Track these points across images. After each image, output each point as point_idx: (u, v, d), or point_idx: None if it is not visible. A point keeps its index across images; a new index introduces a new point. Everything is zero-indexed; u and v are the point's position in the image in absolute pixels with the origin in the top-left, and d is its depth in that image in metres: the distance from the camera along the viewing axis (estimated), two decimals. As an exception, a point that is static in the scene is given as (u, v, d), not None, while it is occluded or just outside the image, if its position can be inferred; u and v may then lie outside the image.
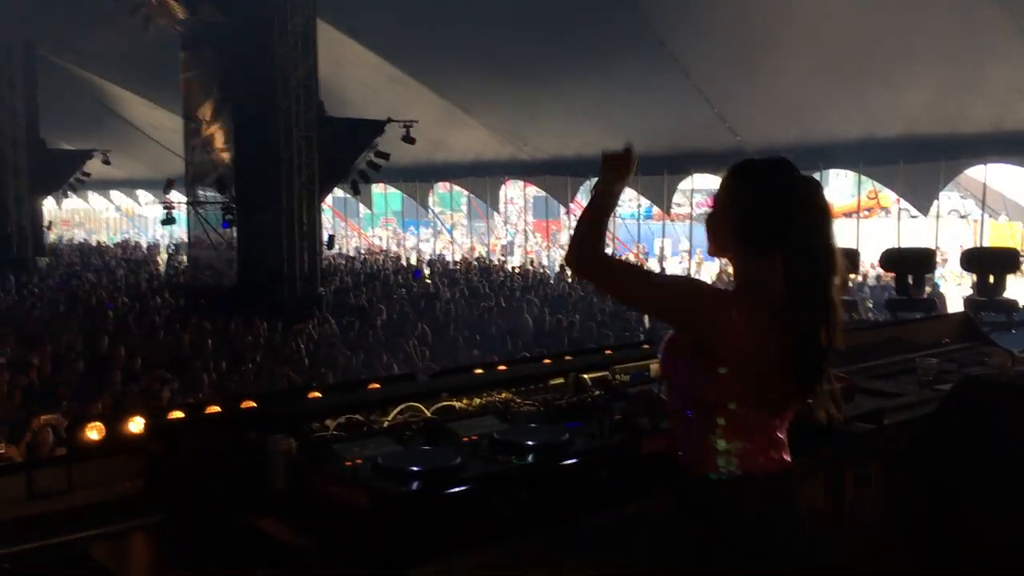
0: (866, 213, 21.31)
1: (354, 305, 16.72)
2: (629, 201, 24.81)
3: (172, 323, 14.17)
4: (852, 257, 8.01)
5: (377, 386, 2.84)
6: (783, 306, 2.06)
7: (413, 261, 25.99)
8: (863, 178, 19.27)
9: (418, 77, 20.05)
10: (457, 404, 2.81)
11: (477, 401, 2.86)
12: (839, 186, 23.34)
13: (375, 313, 15.56)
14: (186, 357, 11.84)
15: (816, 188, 2.17)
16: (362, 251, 29.81)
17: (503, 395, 2.95)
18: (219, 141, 16.68)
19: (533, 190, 26.17)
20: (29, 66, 22.95)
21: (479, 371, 3.18)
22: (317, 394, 2.73)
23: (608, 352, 3.73)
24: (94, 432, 2.33)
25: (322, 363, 11.84)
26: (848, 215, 20.66)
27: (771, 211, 2.12)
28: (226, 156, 16.44)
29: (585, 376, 3.16)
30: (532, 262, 25.58)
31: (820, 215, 2.13)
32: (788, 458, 2.16)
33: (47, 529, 2.21)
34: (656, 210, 23.02)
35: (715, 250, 2.28)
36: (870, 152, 16.53)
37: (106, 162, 24.21)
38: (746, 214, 2.14)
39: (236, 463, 2.33)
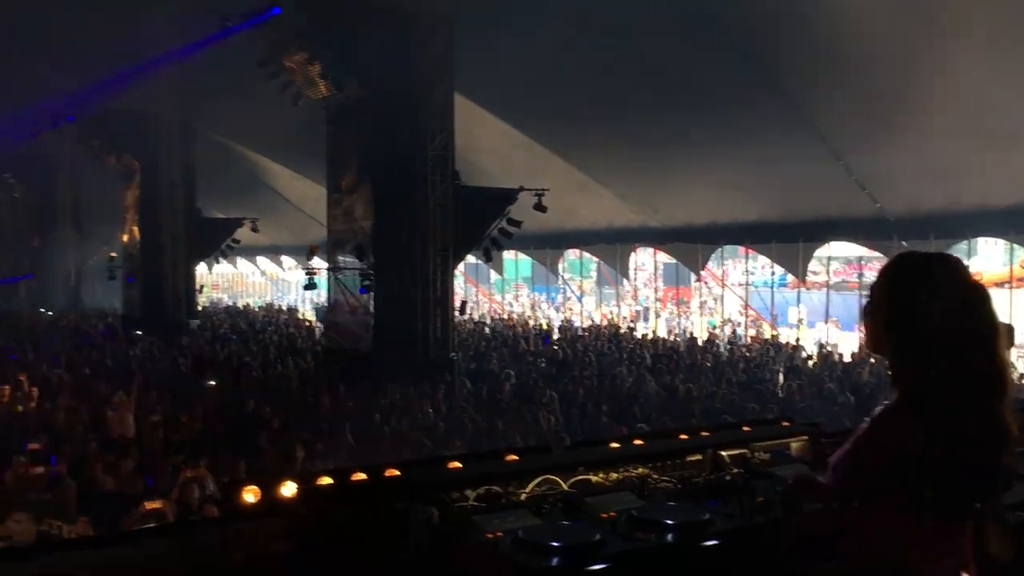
0: (1019, 283, 20.15)
1: (484, 370, 16.93)
2: (762, 268, 24.32)
3: (311, 385, 14.69)
4: (1008, 331, 7.58)
5: (515, 458, 2.88)
6: (942, 418, 1.93)
7: (543, 327, 26.14)
8: (1015, 247, 18.29)
9: (550, 145, 20.43)
10: (593, 478, 2.80)
11: (614, 476, 2.85)
12: (989, 254, 22.19)
13: (504, 379, 15.69)
14: (325, 419, 12.23)
15: (985, 295, 2.01)
16: (492, 316, 30.22)
17: (639, 470, 2.93)
18: (359, 210, 17.37)
19: (664, 257, 26.03)
20: (187, 141, 24.64)
21: (614, 445, 3.17)
22: (456, 464, 2.79)
23: (746, 429, 3.64)
24: (250, 495, 2.45)
25: (453, 428, 12.00)
26: (999, 285, 19.58)
27: (932, 316, 1.96)
28: (365, 224, 17.09)
29: (723, 453, 3.11)
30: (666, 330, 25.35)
31: (990, 325, 1.98)
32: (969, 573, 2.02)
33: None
34: (791, 278, 22.49)
35: (871, 345, 2.16)
36: (1022, 219, 15.73)
37: (254, 230, 25.59)
38: (903, 315, 2.00)
39: (381, 531, 2.39)
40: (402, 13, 16.06)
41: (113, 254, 27.70)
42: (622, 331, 23.96)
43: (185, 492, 8.83)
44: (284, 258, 39.54)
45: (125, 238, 26.65)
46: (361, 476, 2.61)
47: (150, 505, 8.43)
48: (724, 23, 14.83)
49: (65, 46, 19.59)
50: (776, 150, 16.61)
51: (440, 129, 16.41)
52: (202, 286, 29.74)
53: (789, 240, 19.03)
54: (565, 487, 2.70)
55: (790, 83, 15.36)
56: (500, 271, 30.03)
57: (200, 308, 28.77)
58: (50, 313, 29.89)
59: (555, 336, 23.67)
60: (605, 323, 26.58)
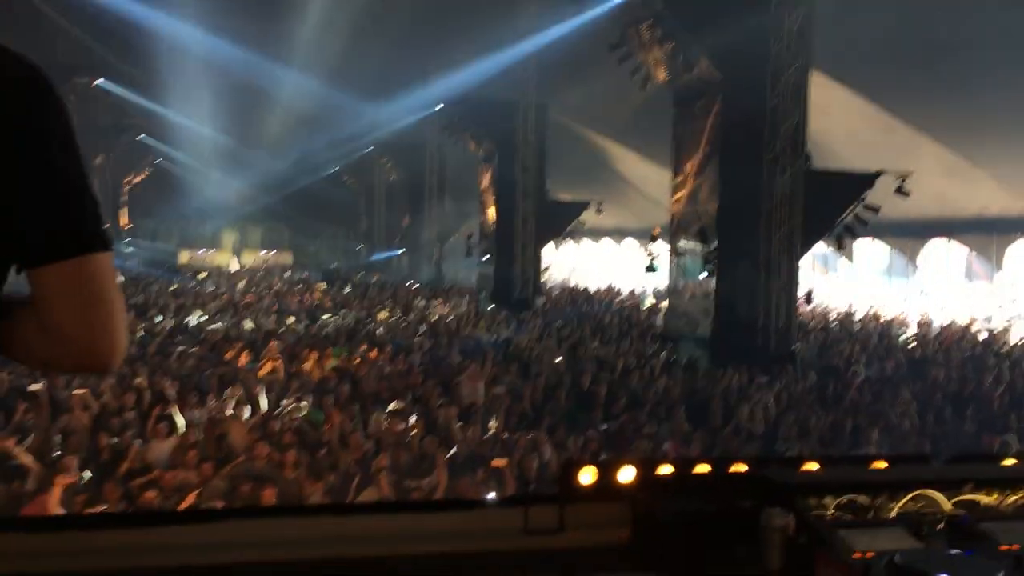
0: None
1: (829, 364, 15.90)
2: None
3: (647, 367, 14.65)
4: None
5: (884, 465, 2.49)
6: None
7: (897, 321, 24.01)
8: None
9: (916, 124, 18.65)
10: (984, 499, 2.34)
11: (1012, 499, 2.36)
12: None
13: (852, 375, 14.62)
14: (659, 402, 12.13)
15: None
16: (839, 308, 28.33)
17: (1042, 495, 2.41)
18: (703, 193, 17.04)
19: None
20: (540, 125, 25.66)
21: (1011, 461, 2.64)
22: (814, 466, 2.46)
23: None
24: (587, 475, 2.33)
25: (792, 422, 11.36)
26: None
27: None
28: (709, 208, 16.73)
29: None
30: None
31: None
32: None
33: (540, 566, 2.24)
34: None
35: None
36: None
37: (599, 212, 26.09)
38: None
39: (724, 530, 2.17)
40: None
41: (471, 233, 29.74)
42: (995, 332, 21.32)
43: (524, 458, 9.16)
44: (627, 240, 40.09)
45: (481, 218, 28.47)
46: (706, 467, 2.39)
47: (496, 462, 8.90)
48: None
49: (437, 37, 21.19)
50: None
51: (793, 109, 15.58)
52: (547, 266, 30.93)
53: None
54: (948, 507, 2.28)
55: None
56: (851, 259, 28.13)
57: (545, 287, 29.97)
58: (416, 286, 32.82)
59: (910, 332, 21.67)
60: (972, 321, 23.81)
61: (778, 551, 2.04)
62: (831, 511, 2.22)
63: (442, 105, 26.99)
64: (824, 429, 10.96)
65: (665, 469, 2.38)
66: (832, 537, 2.01)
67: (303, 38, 21.91)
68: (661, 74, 17.21)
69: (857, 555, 1.90)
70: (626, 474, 2.35)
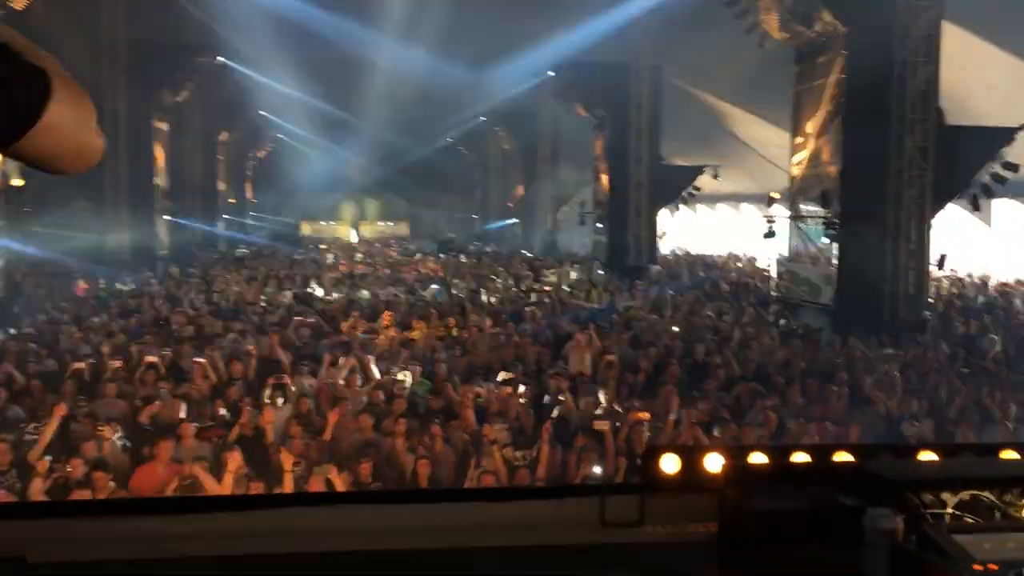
0: None
1: (963, 334, 14.98)
2: None
3: (764, 338, 14.12)
4: None
5: (1015, 456, 2.17)
6: None
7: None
8: None
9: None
10: None
11: None
12: None
13: (988, 345, 13.72)
14: (775, 372, 11.67)
15: None
16: (975, 274, 26.72)
17: None
18: (825, 154, 16.26)
19: None
20: (654, 88, 24.99)
21: None
22: (931, 455, 2.18)
23: None
24: (670, 463, 2.12)
25: (922, 393, 10.73)
26: None
27: None
28: (831, 170, 15.96)
29: None
30: None
31: None
32: None
33: (618, 562, 2.07)
34: None
35: None
36: None
37: (715, 177, 25.31)
38: None
39: (823, 531, 1.92)
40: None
41: (583, 200, 29.36)
42: None
43: (633, 433, 8.92)
44: (744, 206, 38.88)
45: (595, 185, 28.07)
46: (805, 457, 2.15)
47: (598, 424, 8.72)
48: None
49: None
50: None
51: (924, 63, 14.63)
52: (663, 233, 30.27)
53: None
54: (1092, 507, 1.97)
55: None
56: (989, 222, 26.42)
57: (660, 254, 29.36)
58: (529, 255, 32.73)
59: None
60: None
61: (883, 558, 1.78)
62: (950, 510, 1.94)
63: (553, 71, 26.61)
64: (956, 405, 10.29)
65: (758, 458, 2.15)
66: (948, 543, 1.73)
67: (412, 7, 21.94)
68: (778, 31, 16.43)
69: (977, 567, 1.63)
70: (713, 462, 2.13)
